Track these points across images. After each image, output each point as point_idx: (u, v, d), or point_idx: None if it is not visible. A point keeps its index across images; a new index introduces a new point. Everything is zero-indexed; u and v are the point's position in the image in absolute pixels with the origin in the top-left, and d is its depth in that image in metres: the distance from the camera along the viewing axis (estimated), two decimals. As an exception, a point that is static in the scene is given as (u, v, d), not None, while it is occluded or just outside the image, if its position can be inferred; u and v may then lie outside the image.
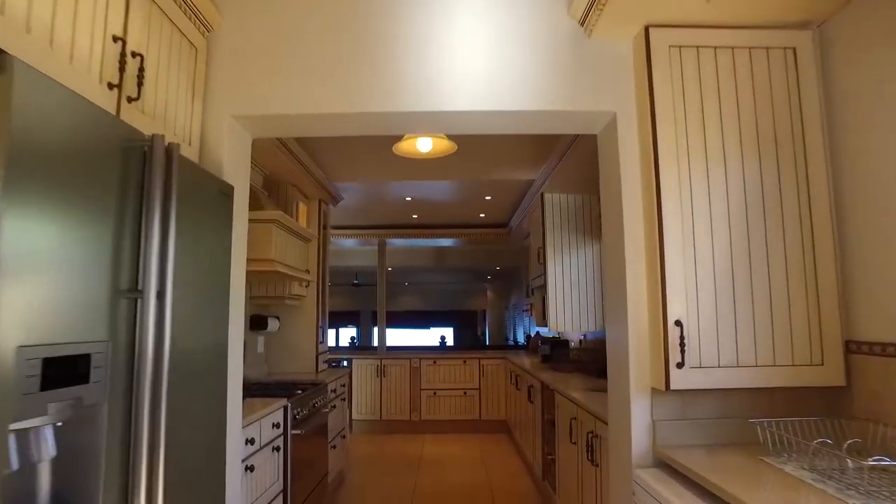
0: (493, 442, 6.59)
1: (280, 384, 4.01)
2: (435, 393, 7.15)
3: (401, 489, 4.77)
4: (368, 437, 6.85)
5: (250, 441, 2.65)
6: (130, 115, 1.61)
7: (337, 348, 9.54)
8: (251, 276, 4.25)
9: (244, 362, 4.18)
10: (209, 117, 2.20)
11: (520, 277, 11.38)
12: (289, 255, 3.81)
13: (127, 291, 1.39)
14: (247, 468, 2.63)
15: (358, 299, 16.02)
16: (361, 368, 7.19)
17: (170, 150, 1.53)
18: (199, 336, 1.79)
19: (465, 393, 7.15)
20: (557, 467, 3.79)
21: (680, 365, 1.89)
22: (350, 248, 9.69)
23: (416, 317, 22.01)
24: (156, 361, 1.44)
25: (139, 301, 1.40)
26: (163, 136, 1.47)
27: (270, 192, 4.60)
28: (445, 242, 8.45)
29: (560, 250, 4.87)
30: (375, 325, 20.92)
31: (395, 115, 2.26)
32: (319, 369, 5.00)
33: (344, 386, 5.07)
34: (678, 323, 1.91)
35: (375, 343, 20.67)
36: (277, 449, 3.09)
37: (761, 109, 2.03)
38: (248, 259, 3.51)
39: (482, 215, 7.04)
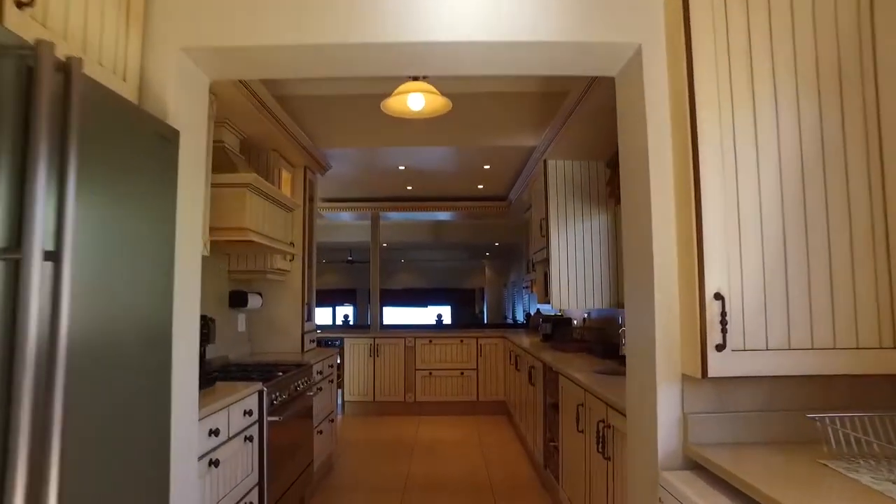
0: (491, 424, 6.30)
1: (261, 366, 3.68)
2: (430, 373, 6.85)
3: (392, 477, 4.48)
4: (361, 420, 6.56)
5: (214, 432, 2.32)
6: (20, 24, 1.23)
7: (333, 327, 9.25)
8: (226, 248, 3.89)
9: (223, 342, 3.85)
10: (151, 49, 1.82)
11: (519, 254, 11.03)
12: (267, 224, 3.45)
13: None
14: (210, 463, 2.30)
15: (355, 277, 15.69)
16: (354, 348, 6.87)
17: (68, 67, 1.16)
18: (124, 314, 1.44)
19: (461, 373, 6.85)
20: (561, 456, 3.48)
21: (720, 347, 1.54)
22: (344, 222, 9.33)
23: (413, 295, 21.66)
24: (50, 344, 1.09)
25: (20, 264, 1.05)
26: (52, 45, 1.10)
27: (250, 157, 4.22)
28: (442, 216, 8.08)
29: (564, 221, 4.51)
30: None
31: (382, 48, 1.88)
32: (306, 349, 4.68)
33: (332, 367, 4.74)
34: (718, 296, 1.56)
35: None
36: (250, 439, 2.76)
37: (823, 39, 1.66)
38: (218, 227, 3.16)
39: (480, 187, 6.67)
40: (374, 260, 7.47)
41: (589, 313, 5.31)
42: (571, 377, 3.13)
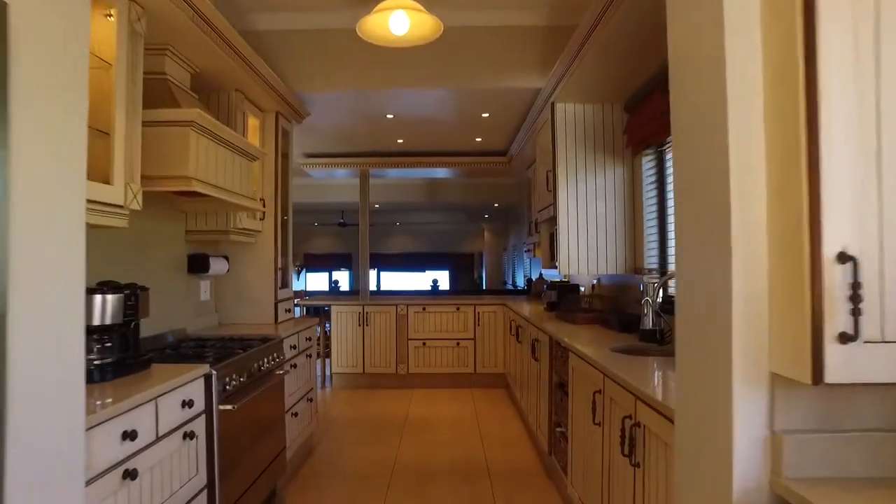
0: (489, 399, 5.83)
1: (221, 341, 3.15)
2: (424, 343, 6.35)
3: (379, 462, 4.00)
4: (349, 394, 6.09)
5: (128, 435, 1.79)
6: None
7: (321, 293, 8.75)
8: (180, 203, 3.31)
9: (180, 313, 3.28)
10: None
11: (520, 215, 10.45)
12: (221, 173, 2.87)
13: None
14: (126, 475, 1.78)
15: (350, 241, 15.14)
16: (341, 316, 6.36)
17: None
18: None
19: (457, 344, 6.35)
20: (570, 447, 2.98)
21: (847, 337, 0.99)
22: (334, 182, 8.72)
23: (410, 259, 21.13)
24: None
25: None
26: None
27: (208, 98, 3.61)
28: (438, 174, 7.47)
29: (574, 174, 3.93)
30: (371, 267, 20.23)
31: None
32: (280, 319, 4.14)
33: (311, 340, 4.22)
34: (845, 258, 1.00)
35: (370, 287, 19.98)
36: (191, 435, 2.24)
37: None
38: (154, 176, 2.58)
39: (478, 140, 6.05)
40: (363, 221, 6.90)
41: (598, 279, 4.77)
42: (585, 356, 2.60)
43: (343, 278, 21.06)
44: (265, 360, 3.09)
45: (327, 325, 6.54)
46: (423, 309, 6.36)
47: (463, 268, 21.59)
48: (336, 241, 15.34)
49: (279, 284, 4.13)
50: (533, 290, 6.98)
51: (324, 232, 15.58)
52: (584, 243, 3.90)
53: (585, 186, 3.92)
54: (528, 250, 7.61)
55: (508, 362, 5.92)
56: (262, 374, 3.03)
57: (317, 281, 19.90)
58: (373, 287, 20.79)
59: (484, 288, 14.41)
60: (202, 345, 3.05)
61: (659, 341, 2.93)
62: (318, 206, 10.06)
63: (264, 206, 4.01)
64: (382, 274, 21.93)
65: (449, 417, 5.17)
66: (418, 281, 22.45)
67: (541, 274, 7.08)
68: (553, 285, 5.20)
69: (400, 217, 13.36)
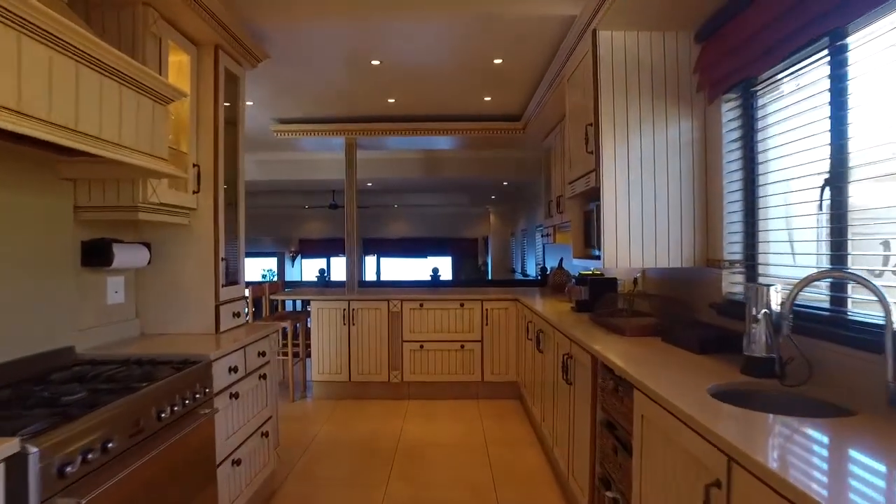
0: (500, 415, 4.80)
1: (118, 367, 2.11)
2: (422, 346, 5.31)
3: (356, 520, 2.97)
4: (331, 406, 5.06)
5: None
6: None
7: (308, 284, 7.73)
8: (48, 162, 2.25)
9: (72, 324, 2.19)
10: None
11: (532, 194, 9.35)
12: (89, 112, 1.80)
13: None
14: None
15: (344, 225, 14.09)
16: (323, 314, 5.31)
17: None
18: None
19: (462, 346, 5.31)
20: (638, 537, 1.93)
21: None
22: (323, 157, 7.63)
23: (409, 245, 20.00)
24: None
25: None
26: None
27: (103, 13, 2.52)
28: (438, 144, 6.38)
29: (625, 129, 2.84)
30: (368, 254, 19.12)
31: None
32: (225, 327, 3.09)
33: (264, 355, 3.16)
34: None
35: (368, 276, 18.86)
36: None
37: None
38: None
39: (487, 98, 4.95)
40: (349, 200, 5.83)
41: (643, 273, 3.70)
42: (682, 414, 1.54)
43: (340, 265, 20.04)
44: (178, 398, 2.04)
45: (308, 320, 5.49)
46: (421, 305, 5.31)
47: (466, 254, 20.50)
48: (331, 226, 14.27)
49: (223, 281, 3.07)
50: (550, 282, 5.92)
51: (317, 216, 14.53)
52: (638, 225, 2.82)
53: (640, 146, 2.84)
54: (547, 235, 6.52)
55: (522, 370, 4.88)
56: (170, 421, 1.98)
57: (313, 268, 18.89)
58: (372, 276, 19.79)
59: (490, 277, 13.32)
60: (80, 376, 2.01)
61: (780, 376, 1.87)
62: (306, 185, 8.99)
63: (199, 175, 2.94)
64: (383, 260, 20.91)
65: (451, 441, 4.14)
66: (420, 268, 21.38)
67: (560, 263, 6.01)
68: (583, 279, 4.14)
69: (397, 199, 12.26)
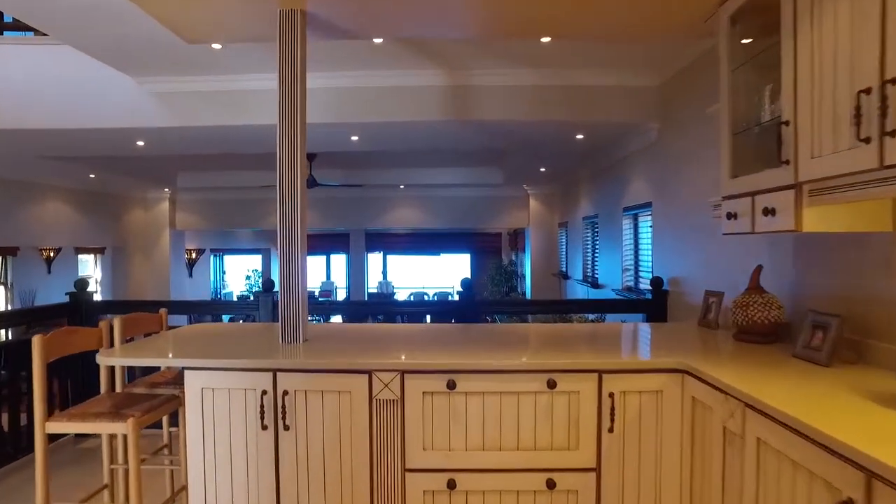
0: None
1: None
2: (452, 485, 2.15)
3: None
4: None
5: None
6: None
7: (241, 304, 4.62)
8: None
9: None
10: None
11: (616, 161, 6.11)
12: None
13: None
14: None
15: (346, 213, 10.86)
16: (214, 400, 2.17)
17: None
18: None
19: (550, 485, 2.14)
20: None
21: None
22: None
23: (419, 240, 16.67)
24: None
25: None
26: None
27: None
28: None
29: None
30: (372, 251, 15.82)
31: None
32: None
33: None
34: None
35: (369, 285, 15.53)
36: None
37: None
38: None
39: None
40: (289, 145, 2.64)
41: None
42: None
43: (339, 265, 16.87)
44: None
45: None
46: (450, 386, 2.15)
47: (488, 251, 17.22)
48: (331, 216, 11.13)
49: None
50: (741, 323, 2.67)
51: (312, 203, 11.34)
52: None
53: None
54: (716, 207, 3.25)
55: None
56: None
57: (313, 268, 15.79)
58: (375, 280, 16.52)
59: (528, 283, 9.97)
60: None
61: None
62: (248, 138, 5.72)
63: None
64: (389, 258, 17.70)
65: None
66: (435, 268, 18.06)
67: (756, 274, 2.75)
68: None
69: (402, 176, 9.04)
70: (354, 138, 5.26)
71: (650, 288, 4.37)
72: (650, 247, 5.08)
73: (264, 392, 2.18)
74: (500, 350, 2.43)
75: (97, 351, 2.45)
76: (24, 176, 7.55)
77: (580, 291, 7.67)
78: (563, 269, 9.11)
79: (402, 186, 9.94)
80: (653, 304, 4.28)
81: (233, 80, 4.29)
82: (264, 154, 6.05)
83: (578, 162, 6.99)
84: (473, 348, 2.48)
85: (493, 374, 2.20)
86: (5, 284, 8.34)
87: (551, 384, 2.17)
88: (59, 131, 4.57)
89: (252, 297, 14.80)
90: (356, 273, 15.00)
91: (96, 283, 10.33)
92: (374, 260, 16.93)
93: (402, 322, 4.98)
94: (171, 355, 2.42)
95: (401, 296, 16.88)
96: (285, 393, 2.18)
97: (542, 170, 7.71)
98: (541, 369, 2.19)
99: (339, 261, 16.42)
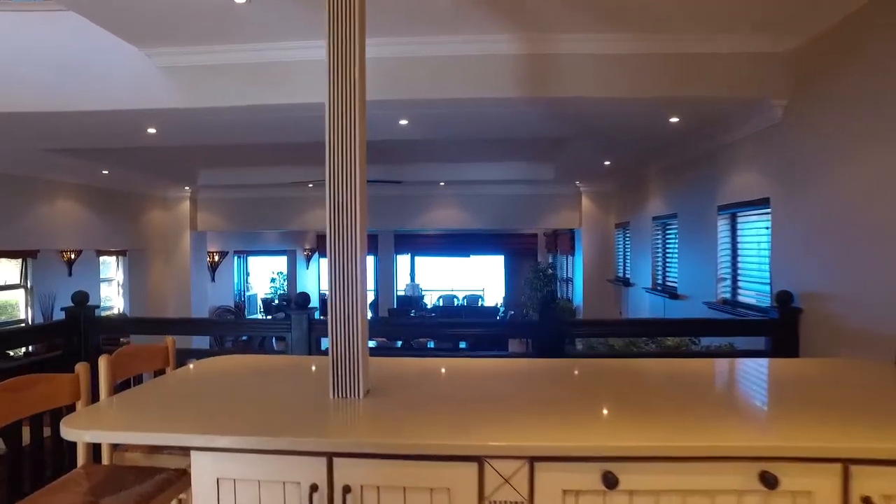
0: None
1: None
2: None
3: None
4: None
5: None
6: None
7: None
8: None
9: None
10: None
11: (718, 148, 5.20)
12: None
13: None
14: None
15: (375, 211, 10.03)
16: (236, 491, 1.39)
17: None
18: None
19: None
20: None
21: None
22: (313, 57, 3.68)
23: (449, 241, 15.79)
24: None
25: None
26: None
27: None
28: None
29: None
30: (400, 253, 14.97)
31: None
32: None
33: None
34: None
35: (398, 288, 14.73)
36: None
37: None
38: None
39: None
40: (343, 128, 1.84)
41: None
42: None
43: (367, 267, 16.06)
44: None
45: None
46: (610, 483, 1.34)
47: (523, 254, 16.28)
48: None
49: None
50: None
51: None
52: None
53: None
54: None
55: None
56: None
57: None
58: (402, 282, 15.70)
59: (582, 289, 9.04)
60: None
61: None
62: (290, 122, 4.95)
63: None
64: (417, 260, 16.90)
65: None
66: (464, 269, 17.15)
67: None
68: None
69: (445, 171, 8.21)
70: (403, 122, 4.47)
71: (774, 305, 3.50)
72: (759, 253, 4.20)
73: (314, 488, 1.40)
74: (666, 420, 1.61)
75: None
76: (32, 172, 6.91)
77: (649, 301, 6.77)
78: (622, 275, 8.23)
79: (442, 183, 9.11)
80: (780, 325, 3.42)
81: (263, 50, 3.53)
82: (300, 144, 5.35)
83: (654, 153, 6.10)
84: (630, 415, 1.67)
85: (670, 463, 1.39)
86: (25, 288, 7.85)
87: (768, 481, 1.35)
88: (51, 115, 3.84)
89: (277, 302, 14.14)
90: (385, 276, 14.25)
91: (118, 286, 9.80)
92: (401, 262, 16.18)
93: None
94: (165, 423, 1.63)
95: (429, 299, 16.11)
96: (347, 490, 1.39)
97: (607, 163, 6.83)
98: (748, 455, 1.38)
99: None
